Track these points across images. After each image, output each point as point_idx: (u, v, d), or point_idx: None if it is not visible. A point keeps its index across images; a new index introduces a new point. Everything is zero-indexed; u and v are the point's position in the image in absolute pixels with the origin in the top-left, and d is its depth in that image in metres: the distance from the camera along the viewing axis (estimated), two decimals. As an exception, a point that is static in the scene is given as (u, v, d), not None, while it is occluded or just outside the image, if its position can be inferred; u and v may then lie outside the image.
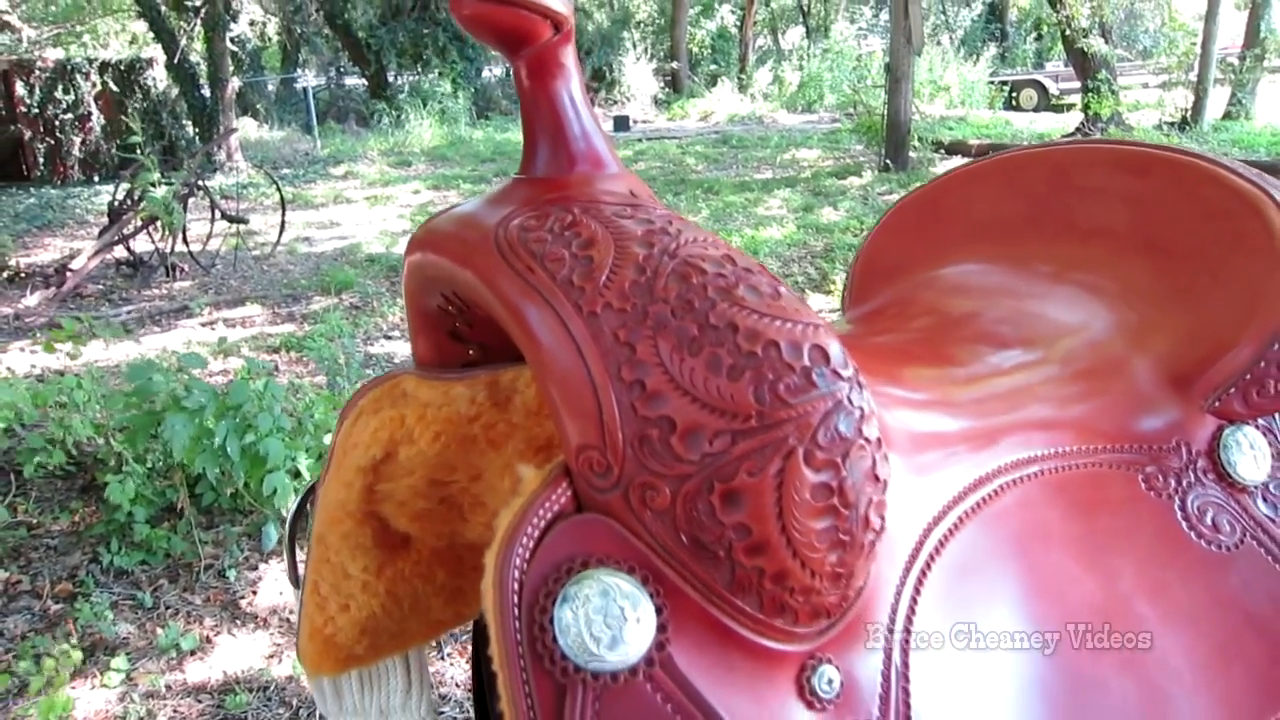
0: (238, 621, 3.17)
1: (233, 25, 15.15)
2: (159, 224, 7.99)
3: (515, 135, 16.46)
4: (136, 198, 8.06)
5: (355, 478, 0.73)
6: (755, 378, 0.52)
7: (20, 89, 14.81)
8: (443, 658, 2.94)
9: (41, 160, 14.99)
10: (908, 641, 0.59)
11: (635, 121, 19.29)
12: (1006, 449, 0.73)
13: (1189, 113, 13.86)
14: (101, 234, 8.22)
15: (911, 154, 11.50)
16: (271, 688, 2.85)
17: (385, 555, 0.80)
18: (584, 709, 0.50)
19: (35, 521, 3.82)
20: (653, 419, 0.52)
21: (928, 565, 0.63)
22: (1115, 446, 0.78)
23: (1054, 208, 0.99)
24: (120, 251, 8.19)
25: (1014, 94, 19.51)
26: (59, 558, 3.60)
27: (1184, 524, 0.75)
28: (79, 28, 18.33)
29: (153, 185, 7.67)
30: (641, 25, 27.03)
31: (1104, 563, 0.71)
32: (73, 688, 2.81)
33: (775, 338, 0.53)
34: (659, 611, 0.51)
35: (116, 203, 8.27)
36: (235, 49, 15.57)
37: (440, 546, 0.82)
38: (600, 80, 23.18)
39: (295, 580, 0.88)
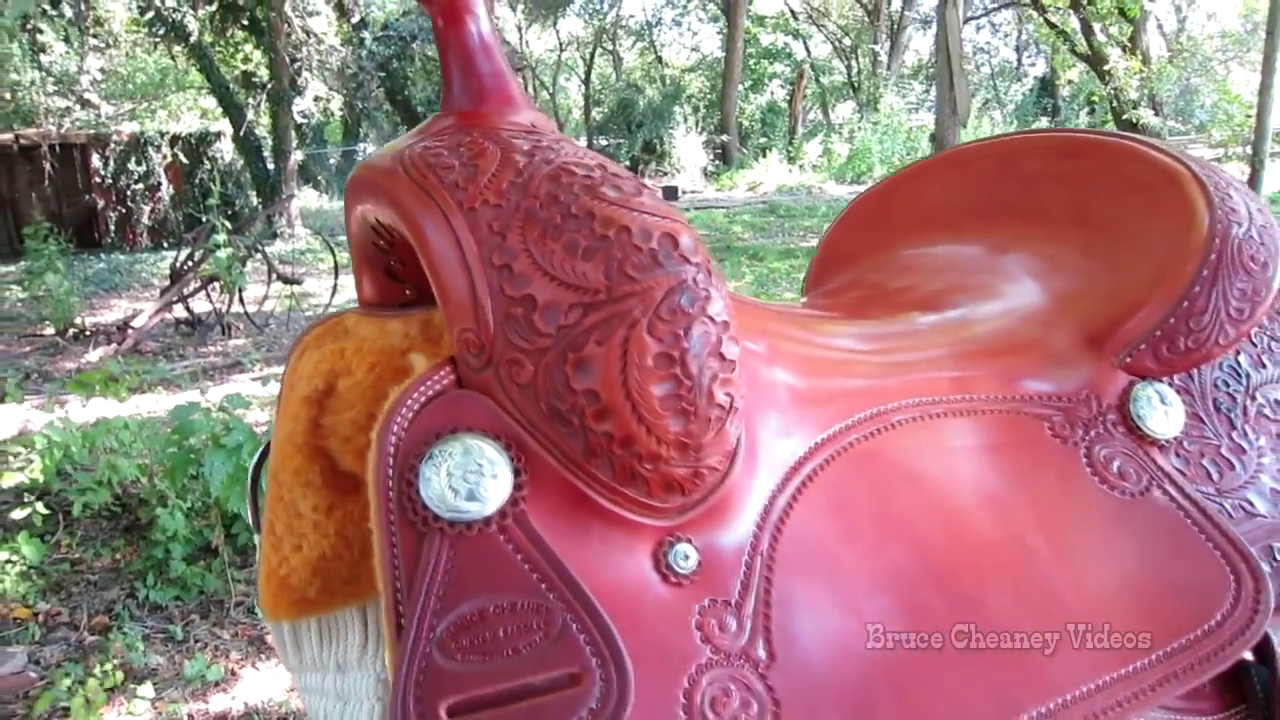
0: (263, 655, 3.22)
1: (298, 100, 15.79)
2: (217, 284, 8.30)
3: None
4: (197, 259, 8.40)
5: (301, 410, 0.79)
6: (606, 257, 0.57)
7: (96, 161, 15.55)
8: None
9: (113, 228, 15.66)
10: (778, 538, 0.62)
11: (684, 192, 19.58)
12: (911, 390, 0.77)
13: (1246, 185, 13.70)
14: (163, 294, 8.55)
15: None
16: (290, 719, 2.89)
17: (335, 496, 0.85)
18: (439, 554, 0.54)
19: (78, 557, 3.94)
20: (518, 298, 0.57)
21: (811, 477, 0.66)
22: (1024, 397, 0.81)
23: (997, 194, 1.04)
24: (180, 311, 8.49)
25: (1065, 165, 19.42)
26: (98, 592, 3.69)
27: (1088, 469, 0.77)
28: (154, 103, 19.25)
29: (219, 247, 8.02)
30: (692, 99, 27.59)
31: (1000, 497, 0.73)
32: (100, 713, 2.87)
33: (628, 224, 0.58)
34: (517, 473, 0.56)
35: (179, 264, 8.62)
36: (301, 121, 16.22)
37: (387, 492, 0.87)
38: (651, 152, 23.63)
39: (257, 525, 0.93)
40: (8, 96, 15.74)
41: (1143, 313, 0.83)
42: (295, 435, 0.80)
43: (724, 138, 24.16)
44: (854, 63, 31.09)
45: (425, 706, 0.51)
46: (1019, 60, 34.14)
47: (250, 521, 0.92)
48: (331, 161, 23.30)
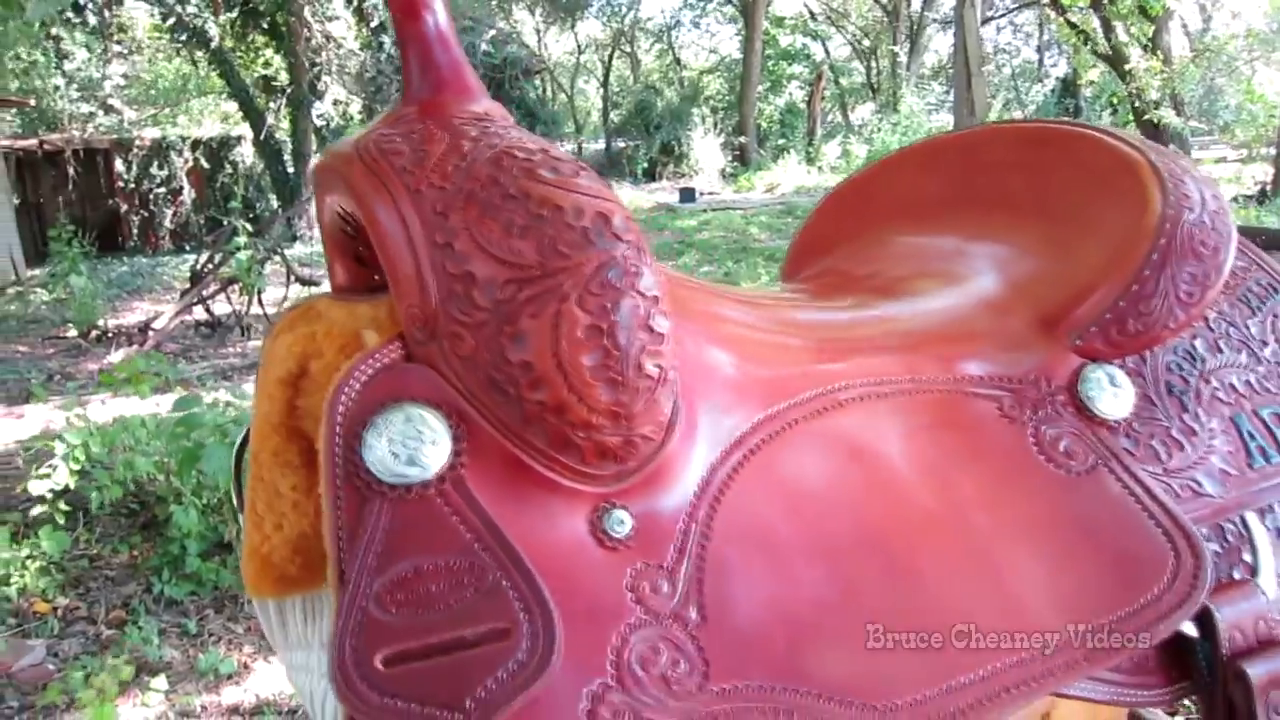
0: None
1: (317, 104, 15.94)
2: (237, 286, 8.43)
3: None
4: (217, 262, 8.53)
5: (276, 391, 0.82)
6: (539, 235, 0.61)
7: (119, 165, 15.79)
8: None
9: (135, 231, 15.89)
10: (716, 508, 0.65)
11: (702, 193, 19.63)
12: (860, 371, 0.79)
13: (1269, 186, 13.56)
14: (183, 296, 8.68)
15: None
16: (300, 711, 2.93)
17: (313, 475, 0.88)
18: (379, 516, 0.58)
19: (96, 553, 4.01)
20: (458, 275, 0.61)
21: (753, 451, 0.69)
22: (973, 378, 0.83)
23: (964, 184, 1.06)
24: (200, 313, 8.62)
25: (1086, 165, 19.26)
26: (115, 587, 3.76)
27: (1035, 448, 0.79)
28: (175, 108, 19.52)
29: (239, 249, 8.14)
30: (710, 100, 27.62)
31: (945, 474, 0.76)
32: (116, 705, 2.93)
33: (561, 203, 0.62)
34: (456, 440, 0.59)
35: (199, 267, 8.75)
36: (320, 124, 16.38)
37: (364, 471, 0.90)
38: (669, 154, 23.66)
39: (240, 506, 0.96)
40: (33, 103, 15.98)
41: (1094, 296, 0.85)
42: (272, 416, 0.83)
43: (742, 139, 24.16)
44: (873, 64, 31.04)
45: (362, 656, 0.54)
46: (1040, 60, 33.92)
47: (235, 505, 0.95)
48: (351, 165, 23.41)
